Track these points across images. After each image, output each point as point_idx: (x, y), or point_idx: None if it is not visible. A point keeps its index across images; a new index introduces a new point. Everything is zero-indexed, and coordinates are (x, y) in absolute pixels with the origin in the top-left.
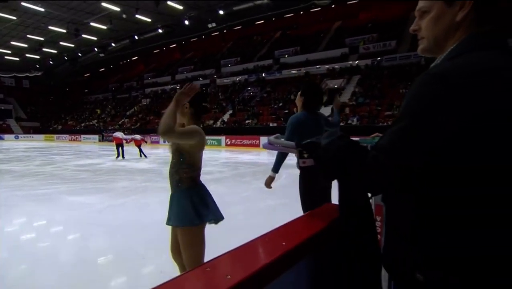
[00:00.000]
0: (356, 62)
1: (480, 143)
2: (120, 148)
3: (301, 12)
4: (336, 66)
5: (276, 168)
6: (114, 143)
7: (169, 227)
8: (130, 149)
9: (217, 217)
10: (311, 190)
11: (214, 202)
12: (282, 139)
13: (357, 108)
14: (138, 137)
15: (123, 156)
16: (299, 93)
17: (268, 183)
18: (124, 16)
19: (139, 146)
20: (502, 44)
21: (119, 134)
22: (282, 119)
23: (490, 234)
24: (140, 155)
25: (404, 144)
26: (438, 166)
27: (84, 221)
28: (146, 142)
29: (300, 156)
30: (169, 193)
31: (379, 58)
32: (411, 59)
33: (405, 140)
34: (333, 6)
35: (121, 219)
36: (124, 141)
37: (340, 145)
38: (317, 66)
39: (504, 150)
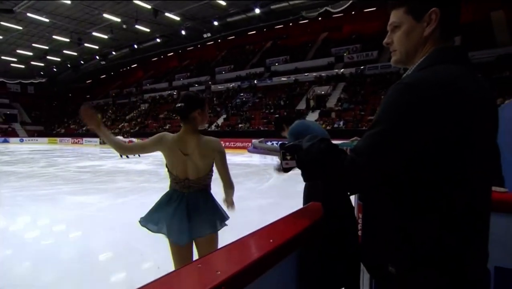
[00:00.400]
0: (341, 70)
1: (448, 152)
2: None
3: (290, 24)
4: (323, 74)
5: None
6: None
7: None
8: None
9: (154, 230)
10: (316, 189)
11: (164, 217)
12: (269, 144)
13: (342, 113)
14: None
15: (127, 156)
16: (282, 130)
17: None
18: (124, 26)
19: None
20: (463, 58)
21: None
22: (273, 123)
23: (457, 235)
24: (139, 155)
25: (380, 147)
26: (413, 172)
27: (85, 220)
28: None
29: (283, 158)
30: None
31: (362, 67)
32: (392, 68)
33: (382, 144)
34: (319, 18)
35: (121, 218)
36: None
37: (320, 148)
38: (306, 74)
39: (466, 159)
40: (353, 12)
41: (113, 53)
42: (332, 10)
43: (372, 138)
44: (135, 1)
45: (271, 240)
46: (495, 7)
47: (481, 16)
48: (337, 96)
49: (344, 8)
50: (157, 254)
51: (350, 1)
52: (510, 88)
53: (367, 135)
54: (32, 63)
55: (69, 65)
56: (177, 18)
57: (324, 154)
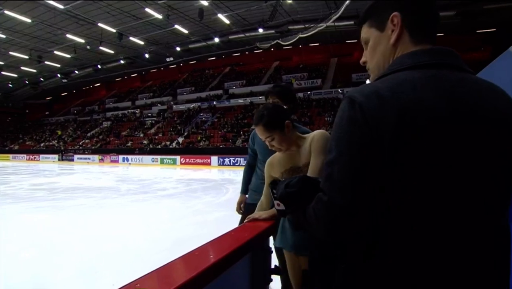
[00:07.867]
0: None
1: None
2: None
3: (246, 52)
4: None
5: (244, 189)
6: None
7: (120, 242)
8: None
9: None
10: None
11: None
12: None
13: None
14: None
15: None
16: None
17: (238, 205)
18: (88, 47)
19: None
20: (426, 62)
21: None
22: (230, 141)
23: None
24: None
25: (337, 178)
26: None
27: (38, 239)
28: None
29: (272, 195)
30: (125, 208)
31: (308, 92)
32: (333, 94)
33: (336, 174)
34: (272, 49)
35: (77, 235)
36: None
37: (292, 182)
38: (260, 97)
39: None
40: (300, 46)
41: (76, 72)
42: (283, 43)
43: (327, 169)
44: (99, 25)
45: (211, 256)
46: None
47: None
48: None
49: (293, 42)
50: (112, 271)
51: (298, 37)
52: None
53: (325, 164)
54: None
55: (27, 82)
56: (141, 42)
57: (297, 186)
